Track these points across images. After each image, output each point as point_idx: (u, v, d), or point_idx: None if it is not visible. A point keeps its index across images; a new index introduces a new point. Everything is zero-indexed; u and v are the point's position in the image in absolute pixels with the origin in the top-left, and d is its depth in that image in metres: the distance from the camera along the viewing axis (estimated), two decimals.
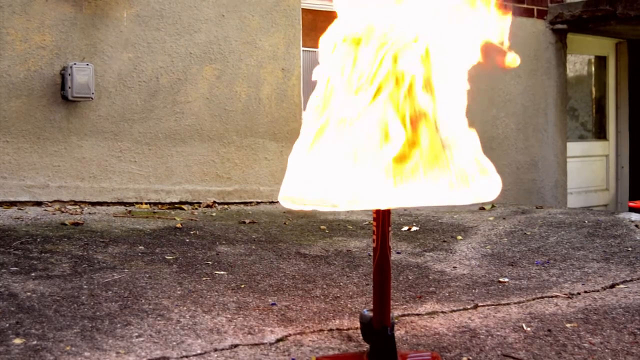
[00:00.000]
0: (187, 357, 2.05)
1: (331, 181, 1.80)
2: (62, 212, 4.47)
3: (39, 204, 4.66)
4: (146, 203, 5.02)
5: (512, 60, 1.93)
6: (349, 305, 2.67)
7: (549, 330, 2.36)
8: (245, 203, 5.43)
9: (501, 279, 3.11)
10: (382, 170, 1.78)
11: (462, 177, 1.86)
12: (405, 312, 2.58)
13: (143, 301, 2.57)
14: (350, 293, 2.85)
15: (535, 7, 7.31)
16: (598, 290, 2.90)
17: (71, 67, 4.66)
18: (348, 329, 2.37)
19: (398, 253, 3.65)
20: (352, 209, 1.80)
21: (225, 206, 5.25)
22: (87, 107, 4.84)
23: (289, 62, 5.66)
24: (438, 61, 1.89)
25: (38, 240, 3.51)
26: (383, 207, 1.88)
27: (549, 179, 7.43)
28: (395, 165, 1.79)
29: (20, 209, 4.47)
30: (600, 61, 8.50)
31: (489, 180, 1.93)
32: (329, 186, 1.79)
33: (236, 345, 2.15)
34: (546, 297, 2.80)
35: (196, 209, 5.04)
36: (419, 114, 1.84)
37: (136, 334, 2.21)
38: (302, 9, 5.79)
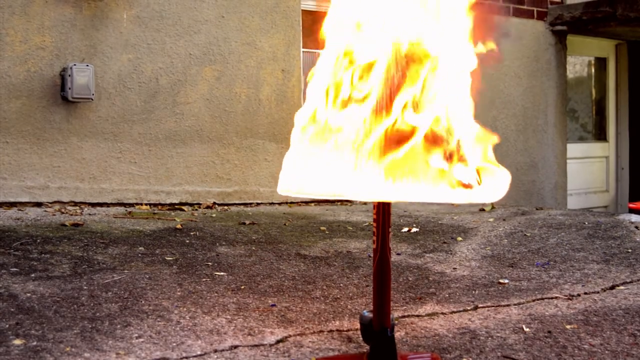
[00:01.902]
0: (186, 358, 2.05)
1: (335, 172, 1.82)
2: (62, 213, 4.47)
3: (39, 204, 4.66)
4: (146, 204, 5.02)
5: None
6: (349, 307, 2.67)
7: (549, 332, 2.36)
8: (245, 204, 5.43)
9: (501, 280, 3.11)
10: (384, 165, 1.79)
11: (465, 176, 1.86)
12: (406, 314, 2.58)
13: (143, 302, 2.57)
14: (350, 294, 2.85)
15: (535, 9, 7.31)
16: (598, 292, 2.90)
17: (71, 68, 4.66)
18: (348, 330, 2.37)
19: (398, 254, 3.65)
20: (356, 200, 1.82)
21: (225, 207, 5.24)
22: (87, 108, 4.84)
23: (288, 63, 5.66)
24: (441, 62, 1.89)
25: (38, 241, 3.50)
26: (384, 200, 1.88)
27: (548, 180, 7.43)
28: (397, 162, 1.80)
29: (20, 210, 4.47)
30: (600, 62, 8.50)
31: (494, 181, 1.92)
32: (333, 177, 1.81)
33: (236, 347, 2.15)
34: (546, 298, 2.80)
35: (196, 210, 5.04)
36: (424, 113, 1.84)
37: (136, 334, 2.21)
38: (302, 10, 5.79)
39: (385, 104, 1.83)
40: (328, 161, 1.84)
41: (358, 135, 1.82)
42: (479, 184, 1.89)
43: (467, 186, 1.85)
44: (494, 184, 1.92)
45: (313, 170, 1.86)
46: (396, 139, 1.81)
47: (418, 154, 1.83)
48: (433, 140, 1.85)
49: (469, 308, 2.67)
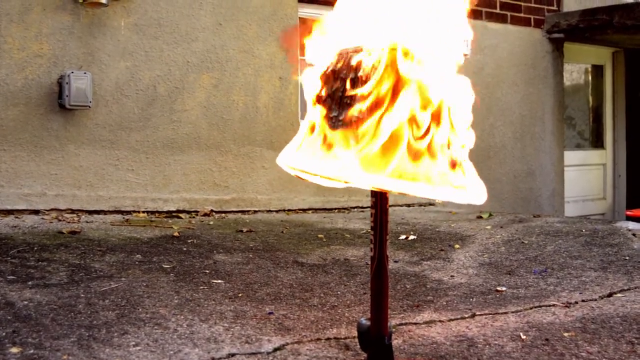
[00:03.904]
0: None
1: (340, 159, 1.84)
2: (59, 220, 4.46)
3: (36, 212, 4.65)
4: (143, 211, 5.01)
5: None
6: (346, 314, 2.66)
7: (547, 340, 2.36)
8: (242, 212, 5.43)
9: (499, 288, 3.11)
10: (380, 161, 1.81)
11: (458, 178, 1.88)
12: (403, 321, 2.58)
13: (140, 310, 2.56)
14: (348, 302, 2.85)
15: (532, 17, 7.33)
16: (595, 299, 2.90)
17: (69, 75, 4.66)
18: (345, 338, 2.36)
19: (396, 262, 3.65)
20: (357, 186, 1.83)
21: (223, 215, 5.24)
22: (84, 115, 4.84)
23: (286, 70, 5.67)
24: (433, 66, 1.89)
25: (35, 248, 3.50)
26: (380, 188, 1.88)
27: (546, 187, 7.44)
28: (396, 159, 1.82)
29: (17, 218, 4.46)
30: (597, 70, 8.52)
31: (478, 184, 1.95)
32: (337, 163, 1.83)
33: (233, 355, 2.15)
34: (544, 306, 2.80)
35: (193, 217, 5.03)
36: (426, 113, 1.85)
37: (133, 342, 2.20)
38: (300, 17, 5.80)
39: (384, 107, 1.84)
40: (331, 148, 1.87)
41: (360, 132, 1.84)
42: (465, 189, 1.90)
43: (460, 187, 1.87)
44: (479, 187, 1.94)
45: (317, 154, 1.89)
46: (393, 140, 1.83)
47: (417, 152, 1.84)
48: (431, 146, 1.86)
49: (466, 316, 2.67)
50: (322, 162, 1.87)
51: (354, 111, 1.86)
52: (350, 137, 1.85)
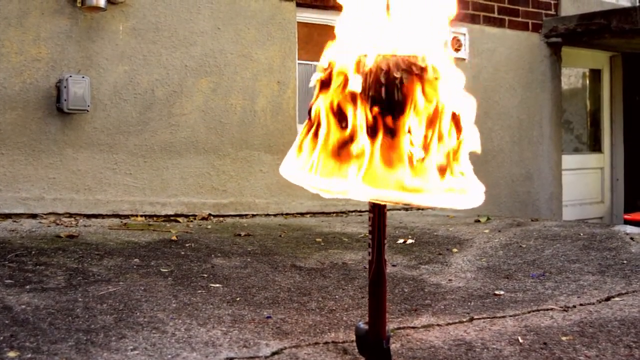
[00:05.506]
0: None
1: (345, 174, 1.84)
2: (57, 224, 4.46)
3: (34, 216, 4.65)
4: (141, 215, 5.01)
5: None
6: (344, 318, 2.66)
7: (545, 343, 2.36)
8: (240, 215, 5.42)
9: (497, 292, 3.11)
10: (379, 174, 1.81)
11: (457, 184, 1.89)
12: (401, 325, 2.58)
13: (138, 314, 2.56)
14: (346, 306, 2.85)
15: (530, 21, 7.34)
16: (593, 303, 2.90)
17: (67, 79, 4.66)
18: (344, 342, 2.36)
19: (394, 266, 3.65)
20: (358, 199, 1.83)
21: (221, 219, 5.24)
22: (82, 119, 4.84)
23: (284, 74, 5.67)
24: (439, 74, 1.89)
25: (33, 252, 3.49)
26: (381, 198, 1.89)
27: (544, 191, 7.44)
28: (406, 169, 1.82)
29: (15, 221, 4.46)
30: (595, 74, 8.53)
31: (475, 188, 1.95)
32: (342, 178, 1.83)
33: (231, 359, 2.15)
34: (542, 309, 2.80)
35: (191, 221, 5.03)
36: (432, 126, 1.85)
37: (131, 347, 2.20)
38: (298, 22, 5.80)
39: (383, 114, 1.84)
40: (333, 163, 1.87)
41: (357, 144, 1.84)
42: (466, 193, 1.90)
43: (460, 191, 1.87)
44: (476, 191, 1.94)
45: (319, 168, 1.89)
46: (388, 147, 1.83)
47: (417, 163, 1.84)
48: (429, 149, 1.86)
49: (464, 319, 2.67)
50: (326, 179, 1.86)
51: (355, 124, 1.85)
52: (352, 150, 1.84)
